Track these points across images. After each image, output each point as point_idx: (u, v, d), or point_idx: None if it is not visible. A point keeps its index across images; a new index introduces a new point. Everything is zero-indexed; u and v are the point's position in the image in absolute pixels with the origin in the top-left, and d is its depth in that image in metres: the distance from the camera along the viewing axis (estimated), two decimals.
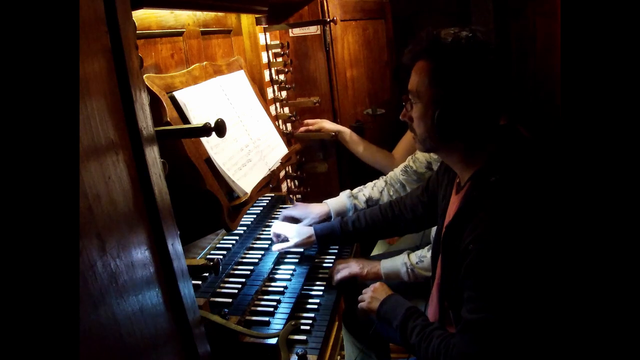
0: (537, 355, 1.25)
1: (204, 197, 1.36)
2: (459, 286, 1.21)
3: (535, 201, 1.18)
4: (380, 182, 2.03)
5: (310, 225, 1.83)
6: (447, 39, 1.19)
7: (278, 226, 1.79)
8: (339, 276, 1.72)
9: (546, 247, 1.18)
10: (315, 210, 1.89)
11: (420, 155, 2.03)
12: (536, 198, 1.18)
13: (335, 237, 1.77)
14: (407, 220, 1.74)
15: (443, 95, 1.19)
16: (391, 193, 2.00)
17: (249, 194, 1.52)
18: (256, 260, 1.68)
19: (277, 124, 2.15)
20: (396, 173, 2.05)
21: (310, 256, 1.82)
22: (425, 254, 1.75)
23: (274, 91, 2.29)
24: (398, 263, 1.78)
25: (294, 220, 1.87)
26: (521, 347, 1.19)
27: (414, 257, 1.77)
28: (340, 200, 1.95)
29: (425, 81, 1.21)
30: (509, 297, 1.13)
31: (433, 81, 1.20)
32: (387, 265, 1.80)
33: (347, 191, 1.99)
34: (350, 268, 1.75)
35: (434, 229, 1.92)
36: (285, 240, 1.77)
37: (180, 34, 1.58)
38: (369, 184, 2.04)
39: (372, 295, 1.51)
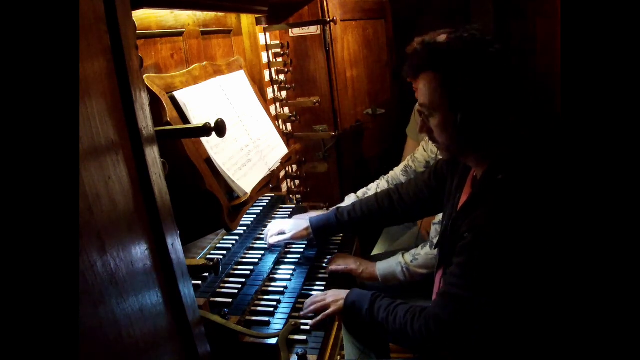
0: (505, 342, 1.29)
1: (204, 197, 1.36)
2: None
3: (536, 200, 1.21)
4: (382, 182, 2.08)
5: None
6: (444, 46, 1.21)
7: (274, 223, 1.80)
8: (334, 267, 1.75)
9: (538, 245, 1.21)
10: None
11: (419, 155, 2.06)
12: (537, 197, 1.21)
13: (331, 227, 1.77)
14: (407, 207, 1.71)
15: (458, 100, 1.20)
16: None
17: (249, 194, 1.52)
18: (256, 260, 1.68)
19: (277, 124, 2.16)
20: (397, 173, 2.09)
21: (310, 256, 1.82)
22: (419, 251, 1.76)
23: (274, 91, 2.29)
24: (393, 264, 1.78)
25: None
26: (491, 330, 1.25)
27: (409, 256, 1.78)
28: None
29: (438, 91, 1.22)
30: (487, 282, 1.19)
31: (445, 90, 1.20)
32: (383, 267, 1.80)
33: (353, 195, 2.03)
34: (347, 264, 1.77)
35: (433, 228, 1.92)
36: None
37: (180, 34, 1.58)
38: (372, 186, 2.07)
39: (332, 300, 1.47)
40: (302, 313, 1.47)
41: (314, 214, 1.93)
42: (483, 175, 1.28)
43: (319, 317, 1.44)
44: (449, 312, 1.22)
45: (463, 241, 1.21)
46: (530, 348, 1.32)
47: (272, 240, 1.74)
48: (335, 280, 1.73)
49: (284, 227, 1.76)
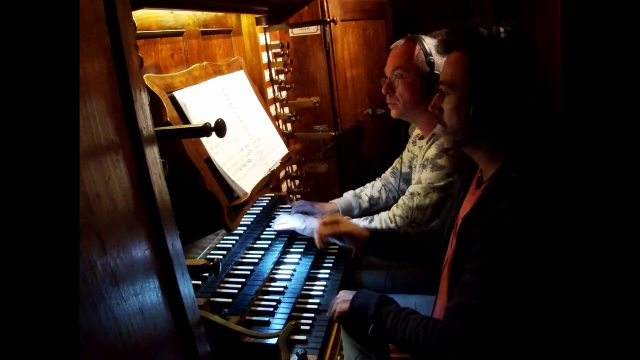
0: (523, 350, 1.26)
1: (204, 197, 1.36)
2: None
3: (550, 201, 1.18)
4: (378, 183, 2.19)
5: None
6: (484, 32, 1.20)
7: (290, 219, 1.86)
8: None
9: (553, 247, 1.18)
10: (328, 208, 2.05)
11: (404, 156, 2.12)
12: (551, 198, 1.18)
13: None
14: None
15: (479, 87, 1.18)
16: (386, 191, 2.17)
17: (249, 194, 1.52)
18: (256, 260, 1.68)
19: (277, 124, 2.16)
20: (387, 173, 2.21)
21: (310, 256, 1.82)
22: (358, 222, 1.84)
23: (274, 91, 2.29)
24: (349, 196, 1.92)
25: (306, 214, 1.97)
26: (507, 339, 1.21)
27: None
28: (346, 199, 2.12)
29: (462, 72, 1.20)
30: (506, 290, 1.15)
31: (470, 73, 1.19)
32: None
33: (351, 191, 2.16)
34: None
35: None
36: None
37: (180, 34, 1.58)
38: (368, 185, 2.20)
39: (339, 302, 1.45)
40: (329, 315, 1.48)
41: (329, 205, 2.06)
42: (495, 174, 1.25)
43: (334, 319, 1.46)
44: (463, 327, 1.16)
45: (477, 245, 1.17)
46: (545, 354, 1.29)
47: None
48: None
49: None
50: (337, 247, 1.93)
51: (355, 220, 1.82)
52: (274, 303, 1.49)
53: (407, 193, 1.82)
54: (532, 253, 1.14)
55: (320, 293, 1.65)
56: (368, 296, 1.42)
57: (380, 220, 1.80)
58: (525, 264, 1.14)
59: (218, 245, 1.71)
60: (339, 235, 1.65)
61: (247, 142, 1.70)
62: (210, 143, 1.45)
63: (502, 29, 1.19)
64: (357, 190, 2.16)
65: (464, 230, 1.27)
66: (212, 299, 1.43)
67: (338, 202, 2.08)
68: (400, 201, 1.83)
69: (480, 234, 1.18)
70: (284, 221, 1.87)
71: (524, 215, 1.15)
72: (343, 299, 1.46)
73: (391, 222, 1.78)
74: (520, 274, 1.14)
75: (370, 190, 2.15)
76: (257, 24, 2.10)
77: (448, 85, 1.24)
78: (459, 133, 1.27)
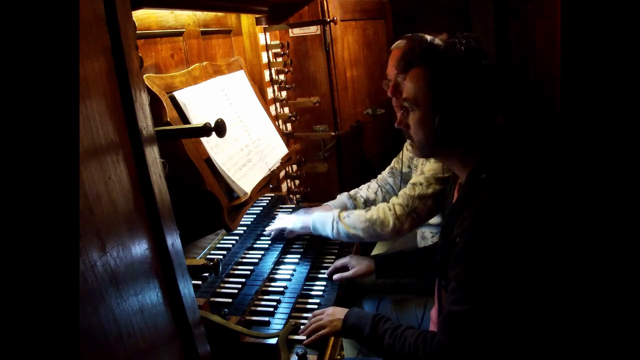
0: (516, 348, 1.27)
1: (204, 197, 1.36)
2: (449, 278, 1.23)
3: (522, 197, 1.19)
4: (373, 184, 2.15)
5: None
6: (441, 46, 1.22)
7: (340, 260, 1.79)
8: (337, 277, 1.73)
9: (530, 242, 1.20)
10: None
11: (403, 156, 2.10)
12: (523, 194, 1.20)
13: (395, 267, 1.76)
14: None
15: (442, 100, 1.21)
16: (383, 192, 2.12)
17: (249, 194, 1.52)
18: (256, 260, 1.68)
19: (277, 124, 2.16)
20: (384, 175, 2.16)
21: (310, 256, 1.82)
22: (353, 211, 1.79)
23: (274, 91, 2.29)
24: (328, 215, 1.80)
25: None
26: (500, 339, 1.22)
27: (343, 212, 1.79)
28: (341, 201, 2.05)
29: (424, 88, 1.23)
30: (490, 288, 1.16)
31: (431, 87, 1.22)
32: (317, 216, 1.81)
33: (346, 193, 2.10)
34: (342, 273, 1.71)
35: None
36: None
37: (180, 34, 1.58)
38: (364, 186, 2.15)
39: (330, 319, 1.42)
40: (301, 332, 1.41)
41: (323, 209, 1.98)
42: (467, 176, 1.28)
43: (312, 337, 1.38)
44: (456, 336, 1.17)
45: (455, 248, 1.19)
46: (535, 350, 1.30)
47: (336, 277, 1.72)
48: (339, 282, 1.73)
49: (347, 262, 1.75)
50: (337, 248, 1.93)
51: (351, 211, 1.80)
52: (274, 303, 1.49)
53: (408, 185, 1.81)
54: (507, 251, 1.15)
55: (320, 293, 1.65)
56: (362, 316, 1.41)
57: (379, 210, 1.76)
58: (501, 262, 1.15)
59: (218, 245, 1.71)
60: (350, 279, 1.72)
61: (247, 142, 1.70)
62: (210, 143, 1.45)
63: (457, 41, 1.22)
64: (352, 192, 2.10)
65: (445, 236, 1.29)
66: (212, 299, 1.43)
67: (332, 204, 2.03)
68: (400, 192, 1.82)
69: (456, 237, 1.19)
70: (277, 222, 1.87)
71: (494, 214, 1.16)
72: (332, 317, 1.43)
73: (390, 210, 1.74)
74: (498, 271, 1.15)
75: (365, 191, 2.10)
76: (257, 24, 2.10)
77: (412, 101, 1.27)
78: (426, 146, 1.30)
